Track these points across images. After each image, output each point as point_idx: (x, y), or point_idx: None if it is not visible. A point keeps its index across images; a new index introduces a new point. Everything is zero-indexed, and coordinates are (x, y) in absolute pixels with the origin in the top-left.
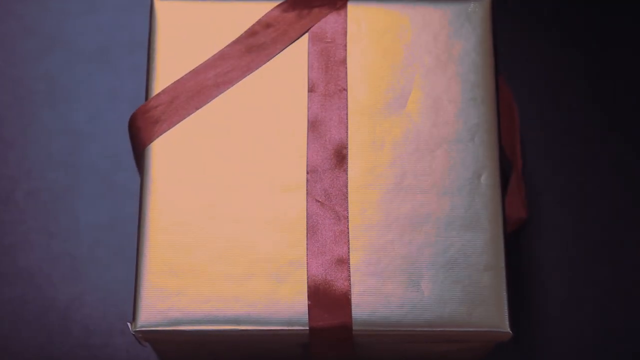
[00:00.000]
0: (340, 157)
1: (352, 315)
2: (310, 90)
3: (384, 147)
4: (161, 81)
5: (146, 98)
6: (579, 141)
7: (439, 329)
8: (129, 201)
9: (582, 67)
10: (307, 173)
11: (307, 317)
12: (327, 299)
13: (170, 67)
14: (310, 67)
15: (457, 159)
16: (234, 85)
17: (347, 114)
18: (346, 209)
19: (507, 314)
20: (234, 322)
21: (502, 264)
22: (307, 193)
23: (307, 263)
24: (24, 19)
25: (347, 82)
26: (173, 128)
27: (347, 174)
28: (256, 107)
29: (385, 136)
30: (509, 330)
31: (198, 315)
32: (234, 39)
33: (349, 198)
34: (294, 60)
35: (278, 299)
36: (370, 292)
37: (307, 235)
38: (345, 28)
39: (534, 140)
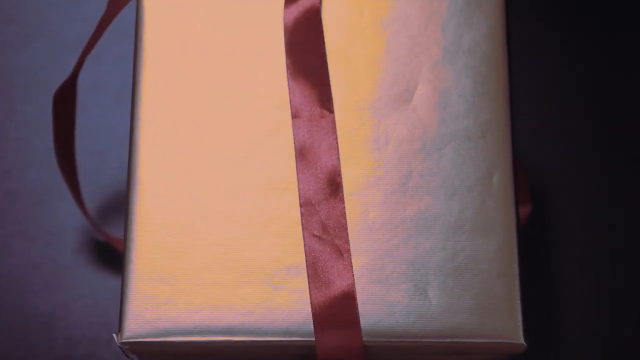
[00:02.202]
0: (334, 185)
1: None
2: (294, 116)
3: (389, 145)
4: (149, 72)
5: (133, 91)
6: (588, 135)
7: (447, 340)
8: (115, 202)
9: (590, 59)
10: (301, 206)
11: (306, 327)
12: (335, 332)
13: (159, 57)
14: (291, 91)
15: (467, 158)
16: (229, 77)
17: (336, 138)
18: (347, 242)
19: (521, 324)
20: (228, 332)
21: (516, 270)
22: (303, 228)
23: (311, 297)
24: (2, 7)
25: (332, 103)
26: (162, 123)
27: (343, 203)
28: (253, 100)
29: (389, 133)
30: (523, 341)
31: (189, 326)
32: (222, 27)
33: (351, 199)
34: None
35: (275, 307)
36: (374, 300)
37: (307, 271)
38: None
39: (540, 135)
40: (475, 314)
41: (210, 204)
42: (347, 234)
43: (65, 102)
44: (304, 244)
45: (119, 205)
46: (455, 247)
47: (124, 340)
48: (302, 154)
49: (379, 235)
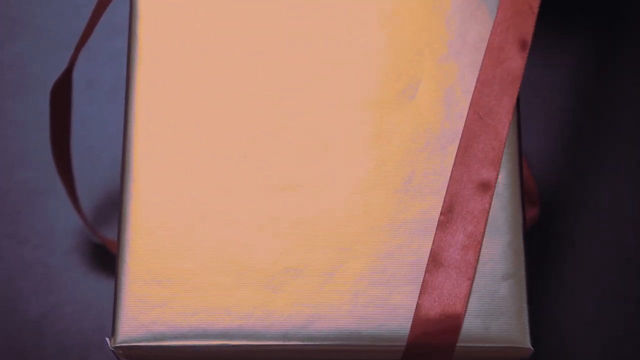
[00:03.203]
0: (511, 80)
1: (355, 329)
2: (493, 33)
3: (391, 143)
4: (144, 69)
5: (127, 87)
6: (598, 135)
7: None
8: (108, 202)
9: (594, 63)
10: (477, 82)
11: (305, 331)
12: (459, 225)
13: (153, 53)
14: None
15: None
16: (225, 73)
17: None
18: (506, 131)
19: (527, 328)
20: (225, 336)
21: (523, 272)
22: (470, 104)
23: (451, 177)
24: None
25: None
26: (157, 120)
27: (514, 100)
28: (251, 97)
29: (392, 131)
30: (530, 346)
31: (184, 329)
32: (218, 22)
33: (351, 198)
34: (288, 35)
35: (273, 310)
36: (376, 303)
37: (458, 147)
38: None
39: (549, 135)
40: (480, 317)
41: (206, 204)
42: (509, 124)
43: (61, 97)
44: (466, 119)
45: (112, 206)
46: None
47: (117, 345)
48: (491, 51)
49: (380, 236)
